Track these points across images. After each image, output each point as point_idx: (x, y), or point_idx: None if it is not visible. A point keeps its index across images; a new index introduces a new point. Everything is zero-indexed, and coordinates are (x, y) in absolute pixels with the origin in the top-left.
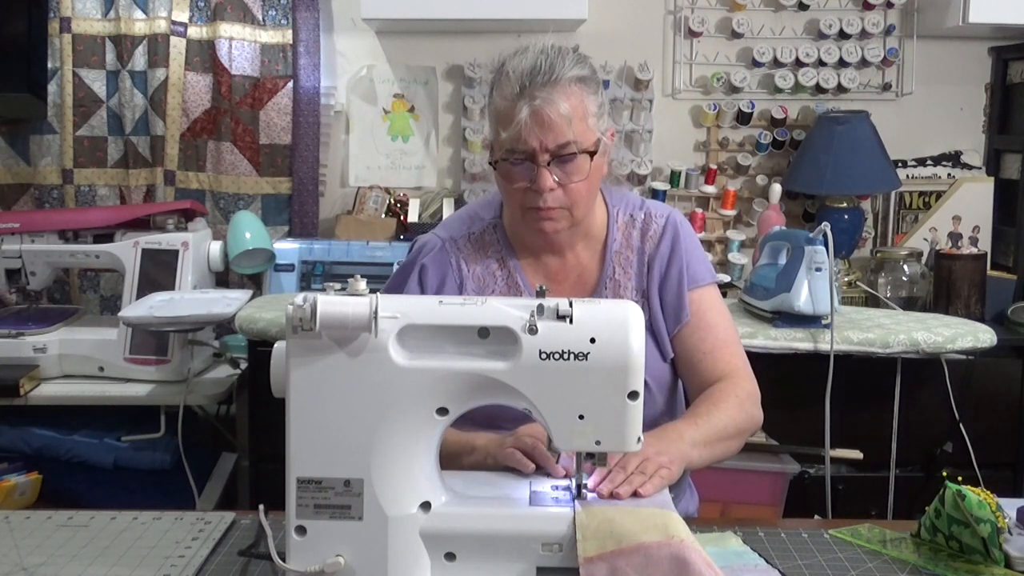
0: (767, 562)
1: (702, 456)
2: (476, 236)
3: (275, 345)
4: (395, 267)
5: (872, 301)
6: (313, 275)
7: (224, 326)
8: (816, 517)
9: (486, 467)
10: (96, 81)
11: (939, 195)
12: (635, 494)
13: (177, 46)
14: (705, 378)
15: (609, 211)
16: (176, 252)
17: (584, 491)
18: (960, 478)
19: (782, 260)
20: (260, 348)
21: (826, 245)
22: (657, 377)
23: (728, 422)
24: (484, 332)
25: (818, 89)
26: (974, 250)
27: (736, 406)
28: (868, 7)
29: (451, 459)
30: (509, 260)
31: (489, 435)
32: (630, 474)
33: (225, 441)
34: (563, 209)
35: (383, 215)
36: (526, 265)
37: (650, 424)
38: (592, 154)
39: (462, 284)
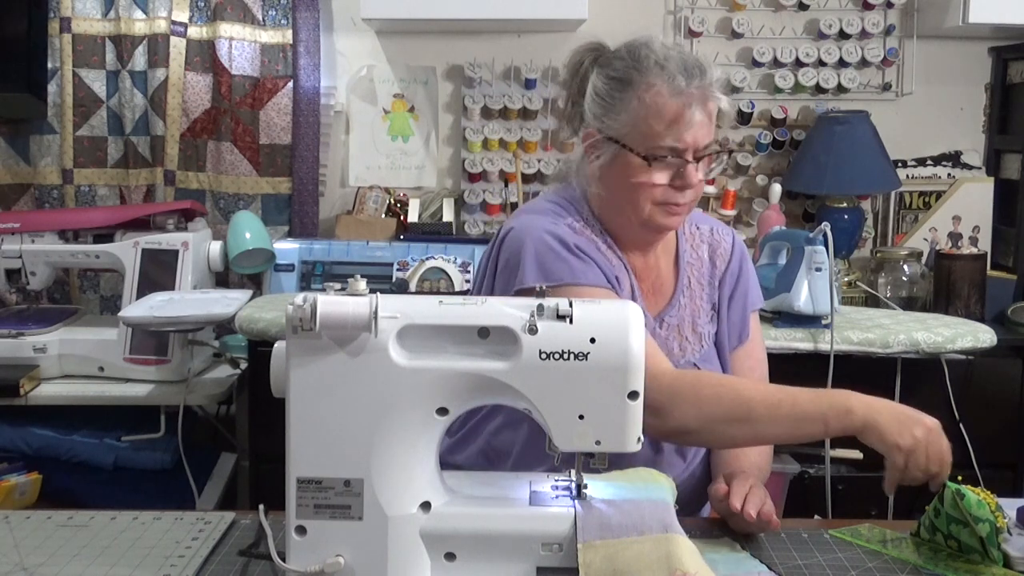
0: (768, 568)
1: None
2: (583, 225)
3: (275, 345)
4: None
5: (872, 301)
6: (313, 275)
7: (224, 326)
8: (816, 517)
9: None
10: (96, 81)
11: (939, 195)
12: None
13: (177, 46)
14: None
15: None
16: (176, 252)
17: (584, 491)
18: (960, 478)
19: (782, 260)
20: (260, 348)
21: (826, 245)
22: None
23: (769, 467)
24: (484, 332)
25: (818, 89)
26: (974, 250)
27: (769, 452)
28: (868, 7)
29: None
30: (617, 250)
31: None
32: (760, 498)
33: (225, 441)
34: (689, 204)
35: (383, 215)
36: (626, 258)
37: None
38: (730, 152)
39: (611, 261)
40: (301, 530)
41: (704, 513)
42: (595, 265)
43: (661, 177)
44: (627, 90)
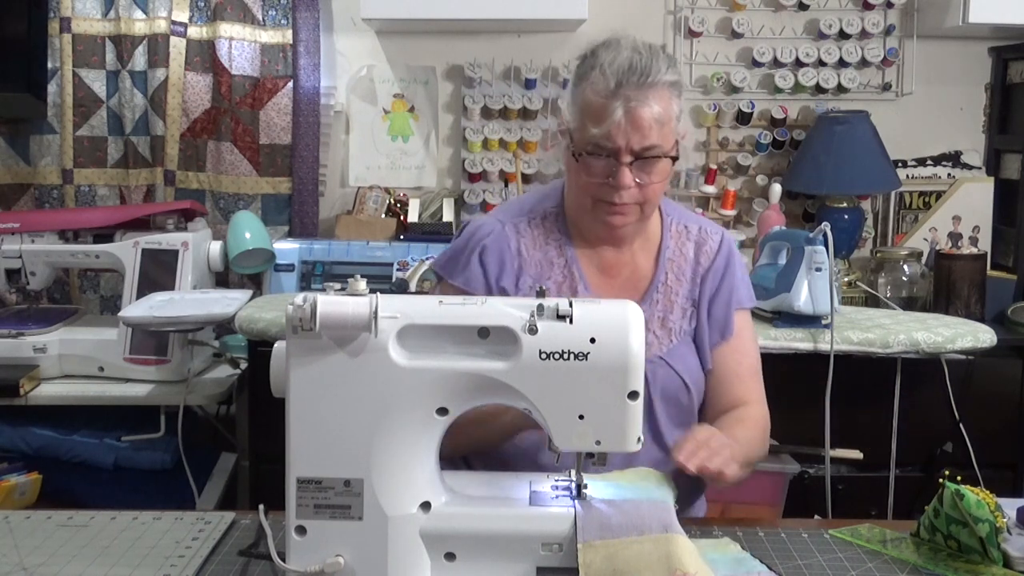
0: (768, 568)
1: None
2: (536, 222)
3: (275, 345)
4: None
5: (872, 301)
6: (313, 275)
7: (224, 326)
8: (816, 517)
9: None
10: (96, 81)
11: (939, 195)
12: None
13: (177, 46)
14: (732, 399)
15: (663, 218)
16: (176, 252)
17: (584, 491)
18: (960, 478)
19: (782, 260)
20: (260, 348)
21: (826, 245)
22: (697, 384)
23: (758, 451)
24: (484, 332)
25: (818, 89)
26: (974, 250)
27: (762, 438)
28: (868, 7)
29: (475, 426)
30: (567, 249)
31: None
32: (714, 450)
33: (225, 441)
34: (635, 204)
35: (383, 215)
36: (582, 255)
37: (688, 426)
38: (674, 159)
39: (520, 268)
40: (301, 530)
41: (697, 508)
42: (479, 264)
43: (591, 173)
44: (576, 87)
